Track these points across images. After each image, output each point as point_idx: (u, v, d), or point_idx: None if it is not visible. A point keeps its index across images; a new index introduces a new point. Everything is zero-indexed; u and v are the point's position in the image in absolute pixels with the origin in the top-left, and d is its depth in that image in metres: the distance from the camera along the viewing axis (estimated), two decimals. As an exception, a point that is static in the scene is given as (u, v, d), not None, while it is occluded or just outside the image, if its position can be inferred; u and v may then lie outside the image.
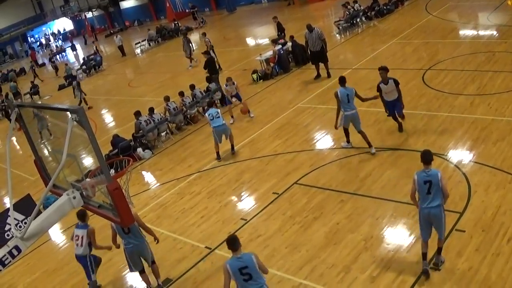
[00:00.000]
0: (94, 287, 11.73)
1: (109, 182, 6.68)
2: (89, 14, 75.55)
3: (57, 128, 9.02)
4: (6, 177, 8.21)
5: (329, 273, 10.16)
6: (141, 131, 19.40)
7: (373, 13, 31.53)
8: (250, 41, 39.11)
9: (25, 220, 12.70)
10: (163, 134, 20.30)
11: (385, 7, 31.84)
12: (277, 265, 10.72)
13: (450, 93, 16.88)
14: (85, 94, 30.52)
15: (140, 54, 45.72)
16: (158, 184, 16.75)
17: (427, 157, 9.04)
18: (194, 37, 44.19)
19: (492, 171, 12.02)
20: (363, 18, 31.20)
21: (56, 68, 46.79)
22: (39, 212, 7.11)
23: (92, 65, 42.61)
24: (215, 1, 60.30)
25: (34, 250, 14.35)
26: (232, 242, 8.20)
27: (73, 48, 62.59)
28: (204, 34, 30.59)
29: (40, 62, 59.22)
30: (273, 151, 16.37)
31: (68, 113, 6.54)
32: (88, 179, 7.31)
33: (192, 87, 21.79)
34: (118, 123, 25.19)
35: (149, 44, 47.50)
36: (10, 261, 6.95)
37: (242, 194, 14.46)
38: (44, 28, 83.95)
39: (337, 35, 30.18)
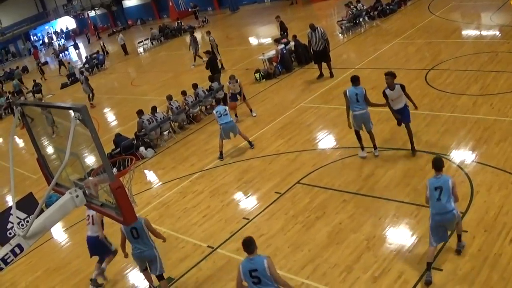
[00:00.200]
0: (95, 285, 11.75)
1: (112, 181, 6.68)
2: (92, 13, 75.57)
3: (60, 127, 9.04)
4: (8, 175, 8.19)
5: (332, 273, 10.15)
6: (143, 130, 19.40)
7: (376, 13, 31.52)
8: (253, 41, 39.13)
9: (28, 219, 12.67)
10: (165, 133, 20.31)
11: (388, 7, 31.82)
12: (280, 265, 10.70)
13: (452, 93, 16.86)
14: (93, 89, 30.81)
15: (142, 53, 45.74)
16: (161, 183, 16.76)
17: (438, 164, 9.16)
18: (197, 36, 44.12)
19: (495, 171, 12.01)
20: (366, 18, 31.15)
21: (63, 65, 46.75)
22: (42, 211, 7.10)
23: (94, 63, 42.63)
24: (218, 0, 60.31)
25: (36, 249, 14.34)
26: (248, 244, 8.18)
27: (76, 47, 62.58)
28: (208, 33, 30.59)
29: (42, 60, 59.19)
30: (275, 150, 16.37)
31: (71, 111, 6.54)
32: (91, 178, 7.31)
33: (195, 86, 21.79)
34: (121, 122, 25.21)
35: (152, 43, 47.49)
36: (13, 260, 6.95)
37: (245, 193, 14.46)
38: (46, 27, 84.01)
39: (340, 34, 30.16)
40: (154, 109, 20.02)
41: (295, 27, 32.25)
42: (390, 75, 13.29)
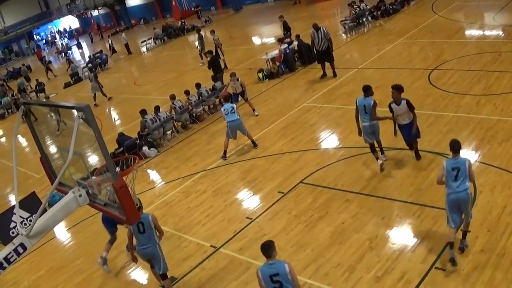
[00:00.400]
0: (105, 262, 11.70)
1: (115, 180, 6.69)
2: (95, 12, 75.73)
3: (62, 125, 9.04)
4: (11, 174, 8.21)
5: (334, 273, 10.15)
6: (146, 129, 19.42)
7: (379, 12, 31.50)
8: (256, 40, 39.16)
9: (31, 218, 12.74)
10: (168, 132, 20.33)
11: (391, 7, 31.78)
12: (282, 264, 10.71)
13: (456, 93, 16.84)
14: (102, 86, 30.97)
15: (145, 53, 45.77)
16: (164, 182, 16.77)
17: (455, 146, 9.58)
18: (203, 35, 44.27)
19: (498, 171, 11.99)
20: (369, 18, 31.11)
21: (72, 63, 46.83)
22: (45, 210, 7.11)
23: (98, 63, 42.67)
24: (221, 0, 60.33)
25: (39, 248, 14.39)
26: (266, 248, 7.95)
27: (79, 46, 62.69)
28: (213, 32, 30.60)
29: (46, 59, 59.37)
30: (278, 150, 16.37)
31: (74, 111, 6.54)
32: (94, 177, 7.31)
33: (198, 85, 21.81)
34: (124, 121, 25.24)
35: (155, 43, 47.54)
36: (16, 259, 6.96)
37: (248, 193, 14.47)
38: (50, 26, 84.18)
39: (343, 34, 30.13)
40: (157, 108, 20.05)
41: (298, 26, 32.22)
42: (397, 89, 12.59)
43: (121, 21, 75.51)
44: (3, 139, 31.13)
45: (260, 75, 24.61)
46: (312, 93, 20.66)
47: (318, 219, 12.08)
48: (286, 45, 25.18)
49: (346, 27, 30.33)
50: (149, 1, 69.92)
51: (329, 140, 16.30)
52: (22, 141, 25.59)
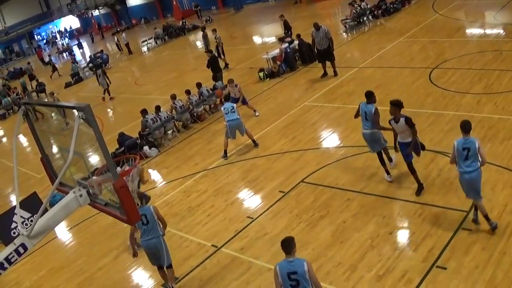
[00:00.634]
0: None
1: (116, 180, 6.69)
2: (96, 12, 75.73)
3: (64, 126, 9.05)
4: (12, 174, 8.22)
5: (336, 272, 10.15)
6: (147, 129, 19.42)
7: (380, 11, 31.50)
8: (257, 40, 39.13)
9: (32, 218, 12.72)
10: (169, 132, 20.32)
11: (392, 6, 31.78)
12: (283, 264, 10.71)
13: (457, 92, 16.82)
14: (110, 82, 31.08)
15: (146, 52, 45.77)
16: (164, 182, 16.77)
17: (466, 126, 9.85)
18: (200, 35, 44.29)
19: (499, 169, 11.98)
20: (370, 17, 31.15)
21: (76, 62, 46.83)
22: (46, 210, 7.11)
23: (98, 63, 42.65)
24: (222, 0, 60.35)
25: (40, 248, 14.40)
26: (286, 245, 7.86)
27: (80, 46, 62.68)
28: (214, 31, 30.61)
29: (47, 59, 59.31)
30: (279, 149, 16.37)
31: (74, 111, 6.54)
32: (94, 177, 7.31)
33: (199, 85, 21.80)
34: (125, 121, 25.20)
35: (156, 42, 47.51)
36: (17, 259, 6.97)
37: (249, 192, 14.46)
38: (50, 26, 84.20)
39: (344, 33, 30.12)
40: (158, 108, 20.04)
41: (299, 26, 32.22)
42: (394, 105, 11.45)
43: (122, 21, 75.51)
44: (4, 139, 31.13)
45: (261, 74, 24.59)
46: (312, 92, 20.65)
47: (319, 218, 12.08)
48: (287, 45, 25.17)
49: (347, 26, 30.33)
50: (150, 0, 69.89)
51: (330, 139, 16.29)
52: (23, 141, 25.62)
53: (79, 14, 78.28)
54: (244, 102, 19.95)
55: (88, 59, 46.35)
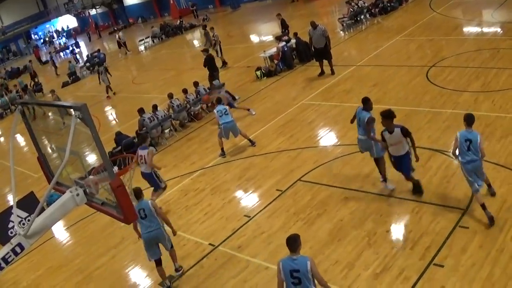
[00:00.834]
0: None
1: (113, 179, 6.68)
2: (93, 11, 75.67)
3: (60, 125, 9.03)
4: (9, 174, 8.19)
5: (333, 270, 10.15)
6: (144, 128, 19.39)
7: (377, 10, 31.52)
8: (254, 38, 39.13)
9: (28, 218, 12.73)
10: (166, 131, 20.32)
11: (389, 4, 31.80)
12: (281, 262, 10.71)
13: (454, 90, 16.83)
14: (111, 75, 31.24)
15: (144, 51, 45.74)
16: (162, 181, 16.74)
17: (469, 119, 10.24)
18: (197, 34, 44.33)
19: (496, 167, 11.98)
20: (367, 15, 31.19)
21: (76, 60, 46.69)
22: (43, 210, 7.11)
23: (95, 62, 42.61)
24: (219, -2, 60.42)
25: (38, 247, 14.38)
26: (292, 242, 7.85)
27: (77, 45, 62.61)
28: (212, 29, 30.60)
29: (44, 59, 59.31)
30: (277, 148, 16.36)
31: (71, 110, 6.54)
32: (91, 176, 7.30)
33: (196, 84, 21.81)
34: (122, 120, 25.21)
35: (153, 41, 47.53)
36: (13, 259, 6.95)
37: (246, 191, 14.45)
38: (47, 26, 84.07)
39: (341, 32, 30.13)
40: (155, 107, 20.02)
41: (296, 24, 32.20)
42: (386, 117, 10.96)
43: (119, 20, 75.45)
44: (1, 139, 31.10)
45: (258, 73, 24.58)
46: (310, 91, 20.65)
47: (316, 217, 12.08)
48: (284, 43, 25.18)
49: (344, 24, 30.36)
50: (147, -1, 69.98)
51: (327, 138, 16.29)
52: (20, 140, 25.59)
53: (76, 13, 78.18)
54: (231, 105, 19.89)
55: (85, 58, 46.29)
